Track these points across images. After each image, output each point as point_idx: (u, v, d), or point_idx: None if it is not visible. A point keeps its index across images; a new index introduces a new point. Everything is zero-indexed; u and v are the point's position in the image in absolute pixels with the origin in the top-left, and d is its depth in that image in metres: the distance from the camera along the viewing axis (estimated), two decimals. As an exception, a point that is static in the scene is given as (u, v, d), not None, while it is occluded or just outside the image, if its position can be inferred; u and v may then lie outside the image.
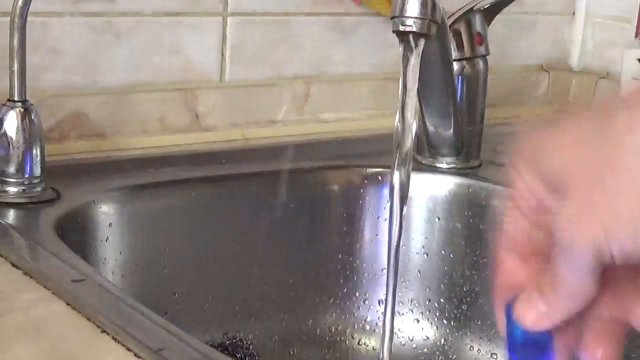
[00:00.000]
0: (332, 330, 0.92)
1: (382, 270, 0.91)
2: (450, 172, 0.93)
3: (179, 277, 0.84)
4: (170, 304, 0.83)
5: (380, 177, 0.92)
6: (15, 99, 0.76)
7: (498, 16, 0.96)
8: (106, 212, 0.79)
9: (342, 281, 0.92)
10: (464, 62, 0.94)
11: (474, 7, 0.94)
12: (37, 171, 0.77)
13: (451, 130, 0.92)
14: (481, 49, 0.94)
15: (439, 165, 0.94)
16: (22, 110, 0.76)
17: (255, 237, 0.88)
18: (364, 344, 0.92)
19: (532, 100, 1.23)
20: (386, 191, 0.88)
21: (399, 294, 0.91)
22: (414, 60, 0.70)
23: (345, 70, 1.06)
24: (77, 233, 0.76)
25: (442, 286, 0.91)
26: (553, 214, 0.41)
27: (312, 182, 0.92)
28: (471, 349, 0.90)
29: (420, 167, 0.93)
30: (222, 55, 0.97)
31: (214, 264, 0.86)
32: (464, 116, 0.93)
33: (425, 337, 0.92)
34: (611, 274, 0.42)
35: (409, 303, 0.92)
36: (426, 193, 0.92)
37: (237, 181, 0.89)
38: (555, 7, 1.23)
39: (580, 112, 0.42)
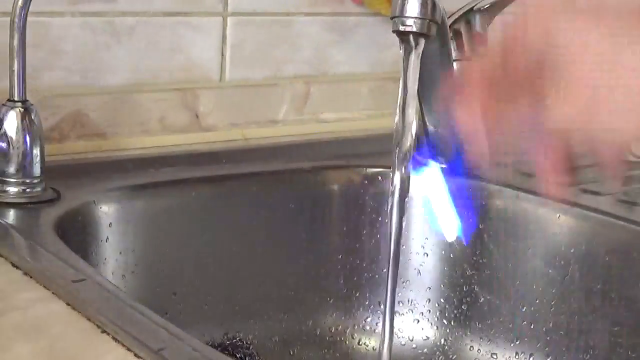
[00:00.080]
0: (332, 330, 0.92)
1: (382, 270, 0.91)
2: (450, 172, 0.93)
3: (179, 277, 0.84)
4: (170, 304, 0.83)
5: (380, 177, 0.92)
6: (15, 99, 0.76)
7: (498, 16, 0.96)
8: (106, 212, 0.79)
9: (342, 281, 0.92)
10: (464, 62, 0.93)
11: (474, 7, 0.94)
12: (37, 171, 0.77)
13: (451, 130, 0.92)
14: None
15: (441, 165, 0.94)
16: (22, 110, 0.76)
17: (255, 237, 0.88)
18: (364, 344, 0.92)
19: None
20: (386, 191, 0.88)
21: (399, 294, 0.91)
22: (414, 60, 0.70)
23: (345, 70, 1.06)
24: (77, 233, 0.76)
25: (442, 286, 0.91)
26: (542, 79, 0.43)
27: (312, 182, 0.92)
28: (471, 349, 0.90)
29: (420, 167, 0.93)
30: (222, 55, 0.97)
31: (214, 264, 0.86)
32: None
33: (425, 337, 0.92)
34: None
35: (409, 303, 0.92)
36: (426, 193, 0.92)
37: (237, 181, 0.89)
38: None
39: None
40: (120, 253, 0.80)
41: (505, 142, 0.48)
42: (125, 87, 0.92)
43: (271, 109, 1.01)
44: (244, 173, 0.90)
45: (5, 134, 0.76)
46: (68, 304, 0.57)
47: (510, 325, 0.87)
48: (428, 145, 0.94)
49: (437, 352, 0.91)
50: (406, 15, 0.70)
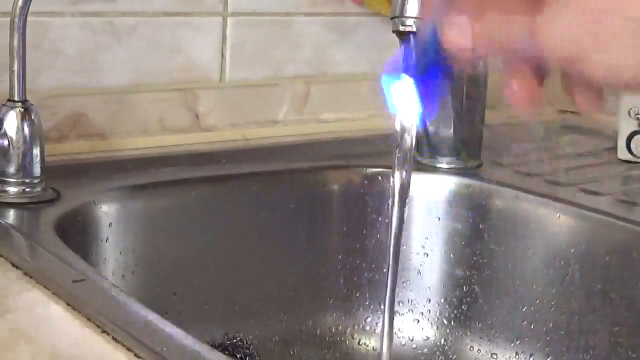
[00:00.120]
0: (332, 330, 0.92)
1: (382, 270, 0.91)
2: (450, 172, 0.93)
3: (179, 277, 0.84)
4: (170, 304, 0.83)
5: (380, 177, 0.92)
6: (15, 99, 0.76)
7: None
8: (106, 212, 0.79)
9: (342, 281, 0.92)
10: (464, 62, 0.93)
11: (474, 7, 0.94)
12: (37, 171, 0.77)
13: (451, 130, 0.92)
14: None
15: (439, 165, 0.94)
16: (22, 110, 0.76)
17: (255, 237, 0.88)
18: (364, 344, 0.92)
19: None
20: (386, 191, 0.88)
21: (399, 294, 0.91)
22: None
23: (345, 70, 1.06)
24: (77, 233, 0.76)
25: (442, 286, 0.91)
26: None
27: (312, 182, 0.92)
28: (471, 349, 0.90)
29: (420, 167, 0.93)
30: (222, 55, 0.97)
31: (214, 264, 0.86)
32: (464, 116, 0.93)
33: (425, 337, 0.92)
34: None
35: (409, 303, 0.92)
36: (426, 193, 0.92)
37: (237, 181, 0.89)
38: None
39: None
40: (120, 253, 0.80)
41: (489, 37, 0.44)
42: (125, 87, 0.92)
43: (271, 109, 1.01)
44: (244, 173, 0.90)
45: (5, 134, 0.76)
46: (68, 304, 0.57)
47: (510, 325, 0.87)
48: (428, 146, 0.94)
49: (437, 352, 0.91)
50: (406, 15, 0.70)
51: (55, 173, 0.80)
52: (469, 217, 0.90)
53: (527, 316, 0.86)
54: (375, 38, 1.06)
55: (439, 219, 0.91)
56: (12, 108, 0.76)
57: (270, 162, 0.92)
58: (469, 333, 0.90)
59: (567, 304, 0.83)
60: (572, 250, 0.83)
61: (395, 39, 0.71)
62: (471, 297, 0.90)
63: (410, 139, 0.70)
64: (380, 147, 0.90)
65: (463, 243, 0.90)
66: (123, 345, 0.52)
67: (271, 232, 0.89)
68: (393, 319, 0.71)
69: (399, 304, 0.91)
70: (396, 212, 0.70)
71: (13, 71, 0.76)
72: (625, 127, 1.01)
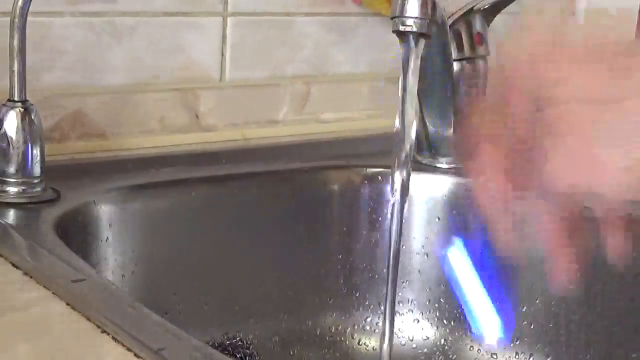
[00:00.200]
0: (332, 330, 0.92)
1: (382, 270, 0.91)
2: (450, 172, 0.93)
3: (179, 277, 0.84)
4: (170, 304, 0.83)
5: (380, 177, 0.92)
6: (15, 99, 0.76)
7: (498, 16, 0.96)
8: (106, 212, 0.79)
9: (342, 281, 0.92)
10: (464, 62, 0.94)
11: (474, 7, 0.94)
12: (37, 171, 0.77)
13: (451, 130, 0.92)
14: (481, 49, 0.94)
15: (439, 165, 0.94)
16: (22, 110, 0.76)
17: (255, 237, 0.88)
18: (364, 344, 0.92)
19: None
20: (386, 191, 0.88)
21: (399, 294, 0.91)
22: (414, 61, 0.70)
23: (345, 70, 1.06)
24: (77, 233, 0.76)
25: (442, 286, 0.91)
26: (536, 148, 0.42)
27: (312, 182, 0.92)
28: (471, 349, 0.90)
29: (420, 167, 0.93)
30: (222, 55, 0.97)
31: (214, 264, 0.86)
32: (464, 116, 0.93)
33: (425, 337, 0.92)
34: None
35: (409, 303, 0.92)
36: (426, 193, 0.92)
37: (237, 181, 0.89)
38: (555, 6, 1.23)
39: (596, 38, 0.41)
40: (120, 253, 0.80)
41: (525, 216, 0.47)
42: (125, 87, 0.92)
43: (271, 109, 1.01)
44: (244, 173, 0.90)
45: (5, 134, 0.76)
46: (68, 304, 0.57)
47: (511, 326, 0.87)
48: (428, 146, 0.94)
49: (437, 352, 0.91)
50: (406, 15, 0.70)
51: (55, 173, 0.80)
52: (469, 217, 0.90)
53: (527, 316, 0.86)
54: (375, 38, 1.06)
55: (439, 219, 0.91)
56: (12, 108, 0.76)
57: (270, 162, 0.92)
58: (469, 333, 0.90)
59: (567, 304, 0.83)
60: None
61: (395, 39, 0.71)
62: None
63: (410, 140, 0.70)
64: (380, 147, 0.90)
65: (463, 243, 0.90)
66: (123, 345, 0.52)
67: (271, 232, 0.89)
68: (393, 319, 0.71)
69: (399, 304, 0.91)
70: (396, 212, 0.70)
71: (13, 71, 0.76)
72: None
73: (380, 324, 0.78)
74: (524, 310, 0.86)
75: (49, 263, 0.64)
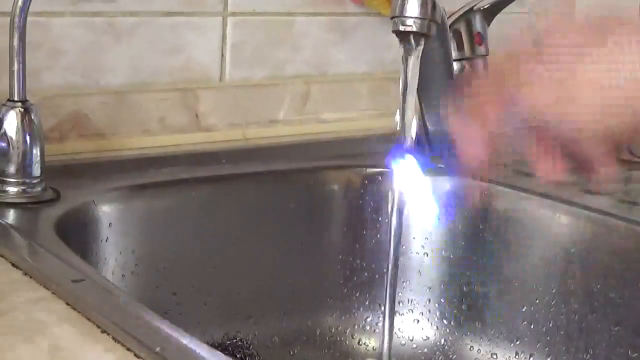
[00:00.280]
0: (332, 330, 0.92)
1: (382, 270, 0.91)
2: (450, 172, 0.93)
3: (179, 277, 0.84)
4: (170, 304, 0.83)
5: (380, 177, 0.92)
6: (15, 99, 0.76)
7: (498, 16, 0.96)
8: (106, 212, 0.79)
9: (342, 281, 0.92)
10: (464, 62, 0.94)
11: (474, 7, 0.94)
12: (37, 171, 0.77)
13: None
14: (481, 49, 0.94)
15: (439, 165, 0.94)
16: (22, 110, 0.76)
17: (255, 237, 0.88)
18: (364, 344, 0.92)
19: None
20: (386, 191, 0.88)
21: (399, 294, 0.91)
22: (414, 60, 0.71)
23: (345, 70, 1.06)
24: (77, 233, 0.76)
25: (442, 286, 0.91)
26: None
27: (312, 182, 0.92)
28: (471, 349, 0.90)
29: (420, 167, 0.93)
30: (222, 55, 0.97)
31: (214, 264, 0.86)
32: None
33: (425, 337, 0.92)
34: None
35: (409, 303, 0.92)
36: (426, 193, 0.92)
37: (237, 181, 0.89)
38: (555, 7, 1.23)
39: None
40: (120, 253, 0.80)
41: (497, 141, 0.51)
42: (125, 87, 0.92)
43: (271, 109, 1.01)
44: (244, 173, 0.90)
45: (5, 134, 0.76)
46: (68, 304, 0.57)
47: (510, 325, 0.87)
48: (428, 145, 0.94)
49: (437, 352, 0.91)
50: (406, 15, 0.70)
51: (55, 173, 0.80)
52: (469, 217, 0.90)
53: (527, 316, 0.86)
54: (375, 38, 1.06)
55: (439, 219, 0.91)
56: (12, 108, 0.76)
57: (270, 162, 0.92)
58: (469, 333, 0.90)
59: (567, 304, 0.83)
60: (572, 250, 0.83)
61: (395, 39, 0.71)
62: (471, 297, 0.90)
63: (410, 139, 0.70)
64: (380, 147, 0.90)
65: (463, 243, 0.90)
66: (123, 345, 0.52)
67: (271, 232, 0.89)
68: (393, 319, 0.71)
69: (399, 304, 0.91)
70: (396, 212, 0.70)
71: (13, 71, 0.76)
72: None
73: (380, 324, 0.78)
74: (524, 310, 0.86)
75: (49, 263, 0.64)
